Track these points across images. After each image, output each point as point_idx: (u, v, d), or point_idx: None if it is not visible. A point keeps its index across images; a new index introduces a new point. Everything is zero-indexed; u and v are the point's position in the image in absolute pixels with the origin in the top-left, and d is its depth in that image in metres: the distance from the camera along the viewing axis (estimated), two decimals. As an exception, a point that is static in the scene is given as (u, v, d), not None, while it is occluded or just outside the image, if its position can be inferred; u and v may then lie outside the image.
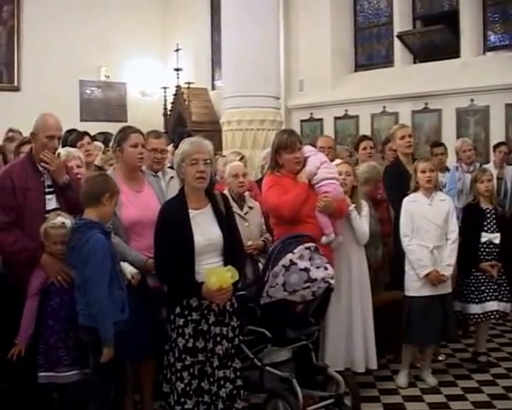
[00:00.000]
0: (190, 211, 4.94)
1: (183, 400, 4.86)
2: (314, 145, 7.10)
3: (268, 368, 5.46)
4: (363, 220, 6.40)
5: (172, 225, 4.87)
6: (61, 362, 5.20)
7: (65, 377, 5.21)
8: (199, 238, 4.86)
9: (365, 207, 6.54)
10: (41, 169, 5.58)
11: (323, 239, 5.95)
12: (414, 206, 6.64)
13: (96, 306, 4.77)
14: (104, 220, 5.06)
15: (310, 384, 5.68)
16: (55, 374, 5.19)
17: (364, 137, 9.08)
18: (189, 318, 4.86)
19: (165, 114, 16.60)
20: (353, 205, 6.34)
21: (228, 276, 4.69)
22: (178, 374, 4.88)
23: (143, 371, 5.70)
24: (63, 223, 5.26)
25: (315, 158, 6.20)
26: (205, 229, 4.92)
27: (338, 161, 6.71)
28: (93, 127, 11.76)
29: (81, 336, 5.00)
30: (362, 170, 7.40)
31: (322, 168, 6.14)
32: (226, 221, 5.04)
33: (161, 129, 12.97)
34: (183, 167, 4.97)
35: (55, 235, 5.23)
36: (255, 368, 5.47)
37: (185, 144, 5.07)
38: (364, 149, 8.47)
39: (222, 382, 4.90)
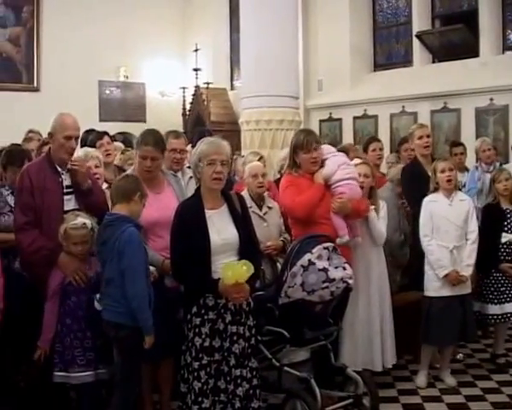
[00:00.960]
0: (206, 211, 4.95)
1: (200, 399, 4.87)
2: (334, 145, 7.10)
3: (286, 368, 5.47)
4: (380, 222, 6.40)
5: (188, 224, 4.88)
6: (76, 362, 5.26)
7: (78, 378, 5.26)
8: (215, 238, 4.87)
9: (383, 208, 6.53)
10: (59, 169, 5.60)
11: (337, 241, 5.94)
12: (434, 206, 6.60)
13: (136, 295, 4.86)
14: (133, 217, 5.12)
15: (328, 384, 5.69)
16: (69, 374, 5.25)
17: (374, 139, 9.07)
18: (206, 317, 4.88)
19: (183, 115, 16.62)
20: (372, 207, 6.33)
21: (243, 270, 4.68)
22: (195, 373, 4.88)
23: (161, 372, 5.71)
24: (84, 223, 5.30)
25: (333, 159, 6.19)
26: (221, 228, 4.93)
27: (357, 160, 6.70)
28: (112, 127, 11.80)
29: (107, 332, 5.06)
30: (396, 172, 7.45)
31: (340, 170, 6.13)
32: (242, 221, 5.04)
33: (180, 129, 12.95)
34: (200, 167, 4.98)
35: (76, 236, 5.27)
36: (273, 368, 5.48)
37: (203, 144, 5.07)
38: (374, 150, 8.44)
39: (238, 381, 4.91)
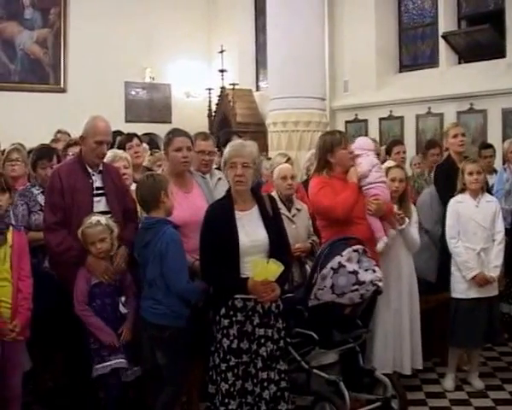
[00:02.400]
0: (236, 212, 4.98)
1: (227, 400, 4.89)
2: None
3: (315, 371, 5.48)
4: (413, 227, 6.41)
5: (218, 225, 4.92)
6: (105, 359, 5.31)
7: (117, 364, 5.31)
8: (244, 239, 4.89)
9: (414, 212, 6.53)
10: (90, 171, 5.64)
11: (379, 245, 5.96)
12: (461, 207, 6.59)
13: (185, 290, 5.05)
14: (170, 214, 5.21)
15: (357, 387, 5.68)
16: (109, 363, 5.29)
17: (397, 142, 9.05)
18: (234, 318, 4.90)
19: (209, 116, 16.62)
20: (406, 218, 6.34)
21: (273, 268, 4.69)
22: (223, 375, 4.91)
23: (190, 372, 5.69)
24: (98, 220, 5.35)
25: (367, 160, 6.19)
26: (250, 230, 4.95)
27: (391, 163, 6.70)
28: (138, 128, 11.81)
29: (151, 333, 5.13)
30: None
31: (374, 171, 6.13)
32: (273, 223, 5.05)
33: (206, 130, 12.97)
34: (225, 170, 5.07)
35: (92, 234, 5.31)
36: (302, 370, 5.49)
37: (227, 148, 5.15)
38: (398, 153, 8.40)
39: (265, 383, 4.91)
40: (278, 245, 5.00)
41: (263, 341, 4.92)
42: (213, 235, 4.92)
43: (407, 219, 6.34)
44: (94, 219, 5.34)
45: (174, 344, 5.05)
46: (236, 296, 4.88)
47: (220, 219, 4.95)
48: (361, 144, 6.36)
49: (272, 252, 4.93)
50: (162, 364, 5.14)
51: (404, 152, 8.53)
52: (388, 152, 8.49)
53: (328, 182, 6.10)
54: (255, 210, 5.07)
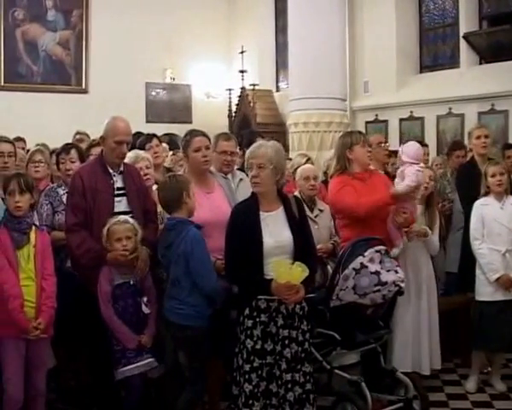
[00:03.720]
0: (262, 213, 4.98)
1: (250, 402, 4.89)
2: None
3: (337, 371, 5.48)
4: (435, 236, 6.41)
5: (243, 226, 4.93)
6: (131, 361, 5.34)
7: (145, 365, 5.35)
8: (268, 240, 4.89)
9: (437, 218, 6.53)
10: (111, 171, 5.67)
11: (394, 251, 5.96)
12: (485, 209, 6.55)
13: (213, 288, 5.08)
14: (192, 215, 5.24)
15: (378, 388, 5.67)
16: (136, 365, 5.32)
17: (422, 144, 8.98)
18: (258, 319, 4.90)
19: (229, 116, 16.62)
20: (428, 230, 6.35)
21: (298, 271, 4.67)
22: (246, 376, 4.91)
23: (211, 371, 5.70)
24: (126, 219, 5.40)
25: (415, 177, 5.95)
26: (275, 231, 4.94)
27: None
28: (158, 129, 11.85)
29: (173, 333, 5.18)
30: None
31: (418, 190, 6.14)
32: (299, 225, 5.04)
33: (226, 130, 12.98)
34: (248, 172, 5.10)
35: (119, 230, 5.34)
36: (324, 371, 5.49)
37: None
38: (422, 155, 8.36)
39: (289, 385, 4.90)
40: (303, 247, 4.98)
41: (287, 342, 4.91)
42: (238, 235, 4.94)
43: (429, 231, 6.35)
44: (122, 217, 5.39)
45: (196, 344, 5.08)
46: (260, 297, 4.89)
47: (245, 220, 4.96)
48: (409, 153, 6.15)
49: (297, 253, 4.92)
50: (184, 363, 5.17)
51: (428, 154, 8.49)
52: None
53: (349, 182, 6.11)
54: (281, 211, 5.06)
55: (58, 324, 5.35)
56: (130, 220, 5.39)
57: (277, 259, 4.83)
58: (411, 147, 6.23)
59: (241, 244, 4.89)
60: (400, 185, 5.98)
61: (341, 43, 11.61)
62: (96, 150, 6.89)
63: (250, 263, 4.86)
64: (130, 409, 5.44)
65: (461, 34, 13.14)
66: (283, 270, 4.68)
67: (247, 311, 4.93)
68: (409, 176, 5.94)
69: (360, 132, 6.46)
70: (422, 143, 8.79)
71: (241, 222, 4.96)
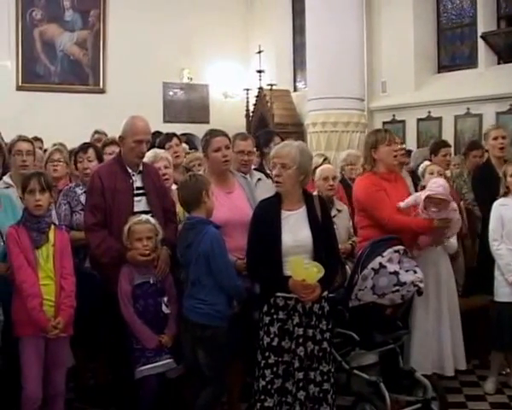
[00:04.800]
0: (283, 212, 4.99)
1: (263, 397, 4.92)
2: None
3: (355, 371, 5.47)
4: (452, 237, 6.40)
5: (264, 223, 4.96)
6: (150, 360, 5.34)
7: (164, 365, 5.36)
8: (287, 238, 4.90)
9: None
10: (130, 171, 5.67)
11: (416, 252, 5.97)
12: (504, 210, 6.48)
13: (235, 286, 5.14)
14: (210, 215, 5.25)
15: (396, 388, 5.65)
16: (155, 365, 5.32)
17: (445, 144, 8.92)
18: (275, 316, 4.92)
19: (247, 116, 16.64)
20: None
21: (314, 271, 4.68)
22: (261, 371, 4.94)
23: (231, 372, 5.70)
24: (148, 219, 5.41)
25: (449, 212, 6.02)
26: (294, 230, 4.94)
27: (427, 162, 6.68)
28: (176, 128, 11.80)
29: (193, 332, 5.16)
30: None
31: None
32: (320, 225, 5.03)
33: (243, 130, 12.99)
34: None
35: (140, 230, 5.35)
36: (342, 371, 5.48)
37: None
38: (444, 155, 8.22)
39: (301, 384, 4.89)
40: (324, 247, 4.98)
41: (301, 340, 4.91)
42: (259, 232, 4.97)
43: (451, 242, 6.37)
44: (143, 216, 5.40)
45: (216, 344, 5.08)
46: (278, 294, 4.90)
47: (266, 218, 4.98)
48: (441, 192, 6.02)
49: (316, 253, 4.92)
50: (203, 363, 5.17)
51: (450, 155, 8.39)
52: (434, 152, 8.32)
53: (379, 184, 6.10)
54: (303, 211, 5.05)
55: (76, 323, 5.36)
56: (152, 220, 5.40)
57: (293, 257, 4.83)
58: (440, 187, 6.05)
59: (261, 242, 4.92)
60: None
61: (359, 43, 11.61)
62: (111, 149, 6.96)
63: (270, 260, 4.88)
64: (147, 408, 5.44)
65: (479, 34, 13.10)
66: (299, 268, 4.70)
67: (265, 308, 4.96)
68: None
69: (386, 131, 6.43)
70: (446, 143, 8.75)
71: (263, 220, 4.99)
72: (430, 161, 7.64)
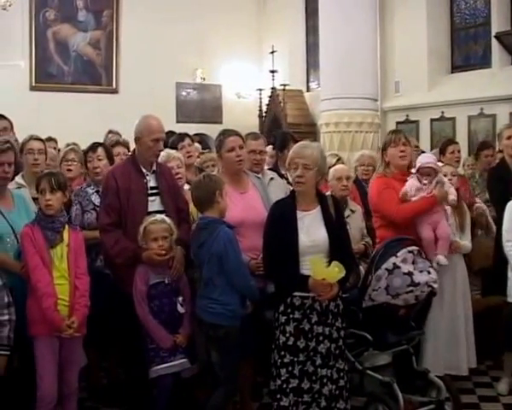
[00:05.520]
0: (299, 212, 5.00)
1: (278, 396, 4.94)
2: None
3: (369, 372, 5.46)
4: (467, 234, 6.37)
5: (280, 224, 4.95)
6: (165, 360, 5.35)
7: (179, 365, 5.37)
8: (303, 239, 4.90)
9: (468, 215, 6.48)
10: (144, 171, 5.69)
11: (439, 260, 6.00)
12: (518, 210, 6.48)
13: (248, 286, 5.15)
14: (223, 215, 5.24)
15: (410, 389, 5.62)
16: (170, 364, 5.33)
17: (451, 141, 8.89)
18: (291, 316, 4.92)
19: (260, 116, 16.69)
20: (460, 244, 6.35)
21: (335, 271, 4.70)
22: (277, 371, 4.95)
23: (242, 372, 5.69)
24: (163, 218, 5.41)
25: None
26: (311, 230, 4.95)
27: (440, 164, 6.66)
28: (189, 129, 11.86)
29: (206, 332, 5.18)
30: None
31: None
32: (335, 225, 5.04)
33: (256, 130, 13.00)
34: (289, 171, 5.11)
35: (156, 230, 5.35)
36: (355, 371, 5.47)
37: (291, 148, 5.17)
38: (452, 152, 8.21)
39: (324, 380, 4.91)
40: (339, 247, 5.00)
41: (321, 339, 4.93)
42: (275, 233, 4.97)
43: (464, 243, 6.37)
44: (159, 216, 5.42)
45: (229, 343, 5.08)
46: (295, 294, 4.91)
47: (282, 218, 4.98)
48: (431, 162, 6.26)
49: (332, 253, 4.94)
50: (216, 363, 5.18)
51: (459, 151, 8.36)
52: (442, 151, 8.32)
53: (390, 183, 6.14)
54: (317, 211, 5.07)
55: (90, 322, 5.36)
56: (167, 220, 5.41)
57: (313, 257, 4.84)
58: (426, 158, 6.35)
59: (277, 242, 4.92)
60: (448, 196, 6.08)
61: (372, 43, 11.62)
62: (117, 150, 7.00)
63: (286, 261, 4.88)
64: (161, 408, 5.44)
65: (492, 34, 13.08)
66: (320, 268, 4.71)
67: (281, 307, 4.96)
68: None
69: (393, 132, 6.44)
70: (453, 141, 8.74)
71: (279, 220, 4.99)
72: (441, 162, 7.61)
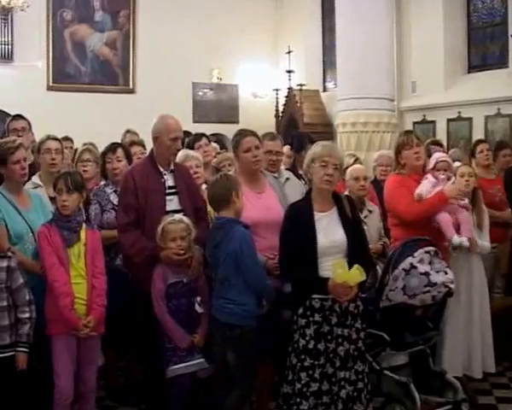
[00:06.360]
0: (316, 213, 4.99)
1: (298, 400, 4.90)
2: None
3: (386, 372, 5.46)
4: (484, 232, 6.34)
5: (297, 225, 4.95)
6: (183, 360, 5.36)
7: (196, 365, 5.38)
8: (322, 240, 4.90)
9: (486, 214, 6.46)
10: (162, 170, 5.70)
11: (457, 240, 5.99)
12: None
13: (265, 286, 5.15)
14: (239, 215, 5.23)
15: (426, 390, 5.62)
16: (188, 364, 5.35)
17: (480, 141, 8.86)
18: (311, 319, 4.91)
19: (276, 116, 16.68)
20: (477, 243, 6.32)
21: (356, 274, 4.69)
22: (297, 375, 4.92)
23: (260, 372, 5.69)
24: (181, 218, 5.41)
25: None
26: (329, 231, 4.95)
27: (458, 163, 6.64)
28: (205, 129, 11.84)
29: (220, 332, 5.18)
30: None
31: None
32: (352, 225, 5.04)
33: (273, 130, 12.99)
34: (313, 168, 5.04)
35: (174, 230, 5.35)
36: (373, 371, 5.46)
37: (318, 146, 5.15)
38: (481, 152, 8.18)
39: (342, 383, 4.89)
40: (357, 247, 5.00)
41: (340, 340, 4.91)
42: (292, 234, 4.96)
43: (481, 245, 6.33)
44: (177, 216, 5.42)
45: (244, 343, 5.08)
46: (314, 296, 4.90)
47: (299, 220, 4.98)
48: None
49: (351, 253, 4.94)
50: (232, 363, 5.17)
51: (488, 149, 8.27)
52: (472, 153, 8.20)
53: (405, 182, 6.16)
54: (334, 212, 5.07)
55: (108, 322, 5.38)
56: (186, 220, 5.42)
57: (333, 258, 4.85)
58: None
59: (295, 244, 4.91)
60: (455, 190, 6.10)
61: (389, 43, 11.59)
62: (133, 150, 7.04)
63: (305, 262, 4.88)
64: (177, 408, 5.46)
65: (509, 33, 13.01)
66: (341, 271, 4.71)
67: (300, 310, 4.95)
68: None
69: (407, 133, 6.45)
70: (481, 140, 8.68)
71: (296, 222, 4.98)
72: (459, 161, 7.58)
